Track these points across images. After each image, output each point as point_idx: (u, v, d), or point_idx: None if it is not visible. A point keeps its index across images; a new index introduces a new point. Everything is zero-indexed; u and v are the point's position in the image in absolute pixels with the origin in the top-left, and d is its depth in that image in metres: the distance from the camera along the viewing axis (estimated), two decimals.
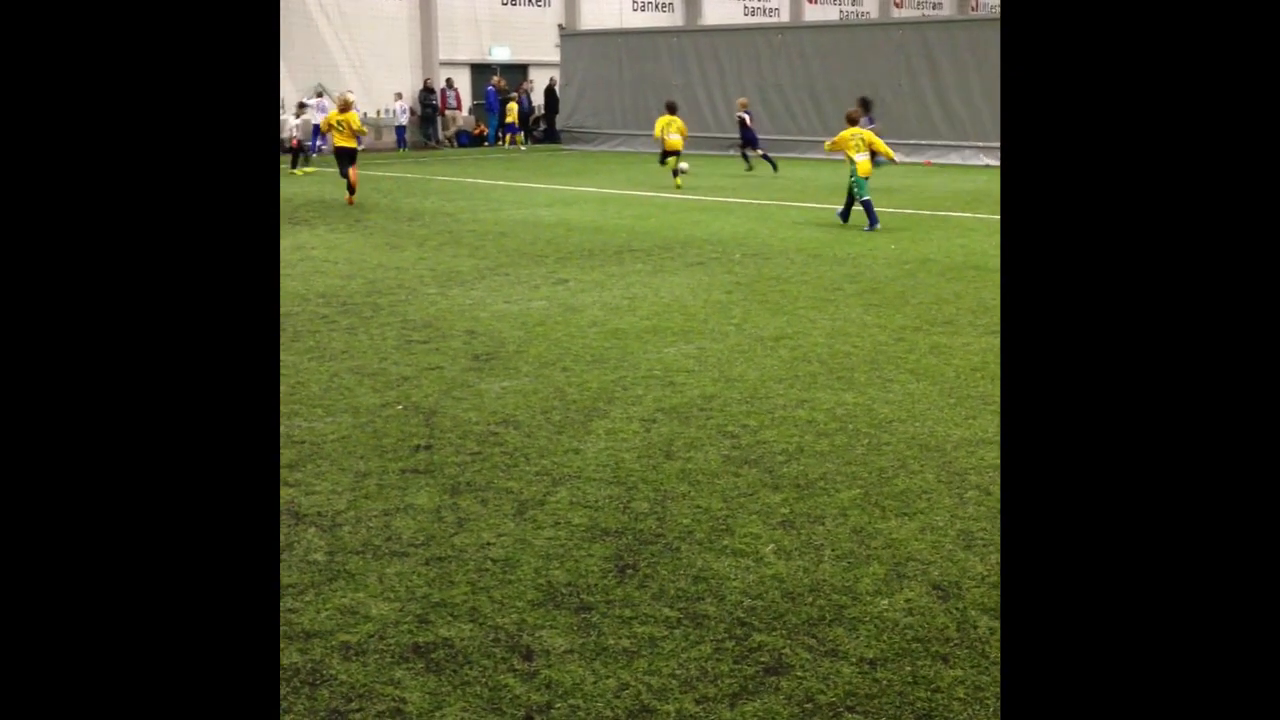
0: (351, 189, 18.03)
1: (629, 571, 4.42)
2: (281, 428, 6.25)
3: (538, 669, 3.68)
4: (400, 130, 32.60)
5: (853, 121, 15.32)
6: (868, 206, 14.45)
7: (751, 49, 29.65)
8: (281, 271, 11.66)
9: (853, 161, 14.54)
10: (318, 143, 27.60)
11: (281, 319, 9.23)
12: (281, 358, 7.90)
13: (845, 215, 14.94)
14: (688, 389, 7.08)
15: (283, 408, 6.64)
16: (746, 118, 24.21)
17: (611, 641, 3.86)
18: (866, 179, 14.58)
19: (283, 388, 7.09)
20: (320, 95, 29.60)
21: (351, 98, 18.80)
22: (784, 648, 3.81)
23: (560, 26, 35.59)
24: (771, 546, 4.64)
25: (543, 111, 36.11)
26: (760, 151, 23.83)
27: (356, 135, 17.81)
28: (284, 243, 13.86)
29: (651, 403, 6.78)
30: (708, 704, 3.47)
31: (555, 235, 14.46)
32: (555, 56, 35.00)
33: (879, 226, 14.32)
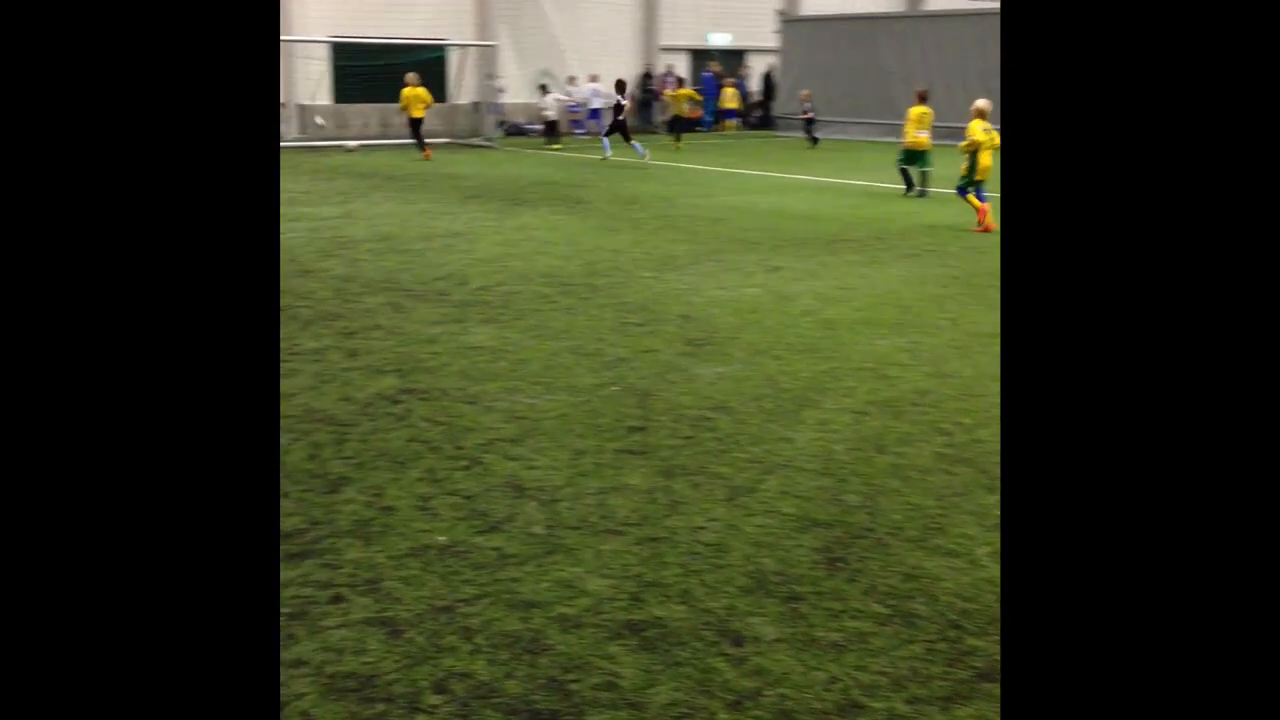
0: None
1: (839, 564, 4.44)
2: (505, 403, 6.51)
3: (747, 655, 3.75)
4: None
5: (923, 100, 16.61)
6: (961, 192, 14.15)
7: (975, 34, 28.79)
8: (505, 250, 12.07)
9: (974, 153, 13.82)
10: (587, 123, 29.64)
11: (505, 297, 9.57)
12: (505, 335, 8.20)
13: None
14: (900, 383, 7.00)
15: (505, 383, 6.91)
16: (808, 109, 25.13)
17: (821, 634, 3.89)
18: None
19: (505, 364, 7.37)
20: (545, 88, 30.58)
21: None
22: (998, 654, 3.76)
23: (779, 12, 35.38)
24: (986, 549, 4.58)
25: (759, 97, 36.03)
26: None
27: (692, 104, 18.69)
28: (508, 223, 14.33)
29: (864, 395, 6.74)
30: (919, 705, 3.46)
31: (770, 222, 14.46)
32: (774, 42, 34.84)
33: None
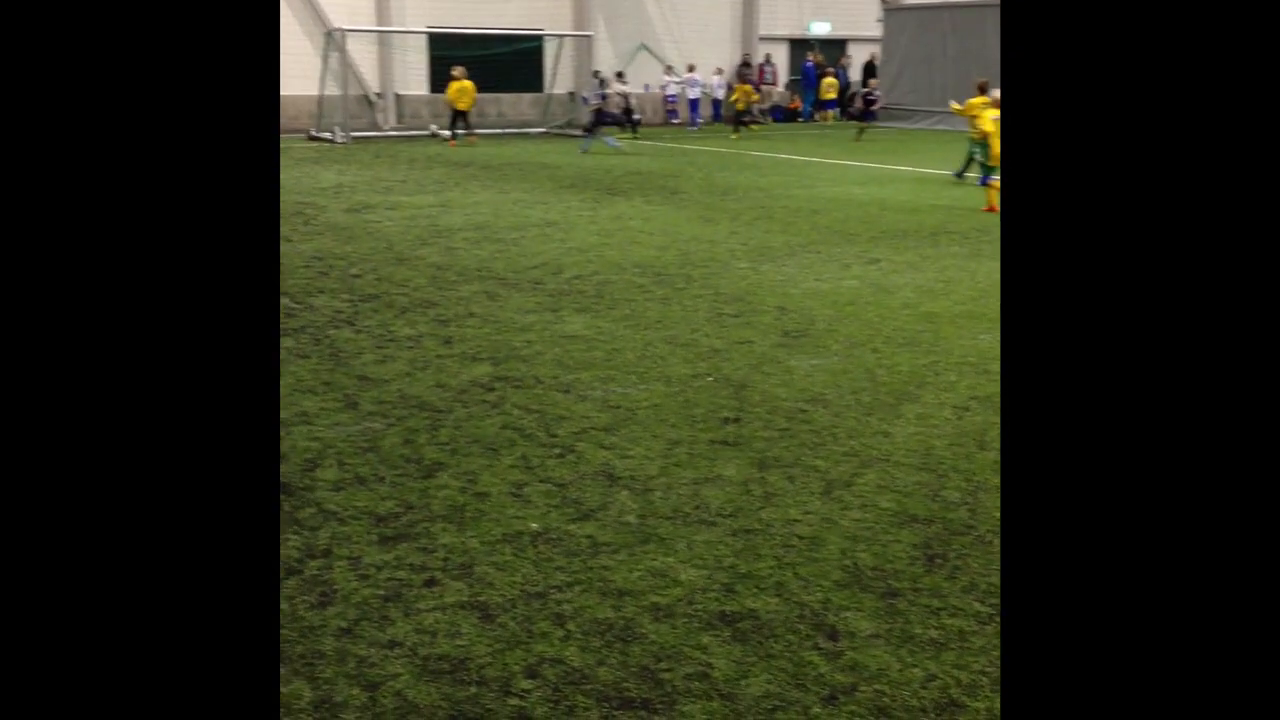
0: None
1: (938, 561, 4.33)
2: (598, 392, 6.50)
3: (842, 649, 3.67)
4: (716, 104, 32.98)
5: (983, 91, 16.27)
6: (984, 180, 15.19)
7: None
8: (600, 240, 12.08)
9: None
10: (696, 117, 30.03)
11: (599, 286, 9.57)
12: (598, 324, 8.19)
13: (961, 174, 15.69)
14: None
15: (599, 372, 6.90)
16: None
17: (919, 630, 3.80)
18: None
19: (599, 353, 7.36)
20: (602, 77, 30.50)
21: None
22: None
23: (884, 1, 34.90)
24: None
25: (861, 87, 35.60)
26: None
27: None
28: (603, 213, 14.35)
29: (965, 390, 6.59)
30: None
31: (868, 214, 14.26)
32: (875, 32, 34.39)
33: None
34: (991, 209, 14.48)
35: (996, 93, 15.11)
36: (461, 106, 24.92)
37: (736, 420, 6.01)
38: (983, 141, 14.93)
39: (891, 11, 33.80)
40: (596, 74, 28.67)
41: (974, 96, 17.12)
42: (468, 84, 24.90)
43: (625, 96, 27.92)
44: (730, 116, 29.09)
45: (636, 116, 28.81)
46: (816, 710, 3.34)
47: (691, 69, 32.51)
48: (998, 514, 4.78)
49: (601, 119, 24.32)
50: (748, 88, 29.82)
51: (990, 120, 14.78)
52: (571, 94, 31.27)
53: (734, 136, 27.74)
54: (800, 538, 4.54)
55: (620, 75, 28.96)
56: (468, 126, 25.23)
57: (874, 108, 29.06)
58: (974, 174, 17.06)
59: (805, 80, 35.31)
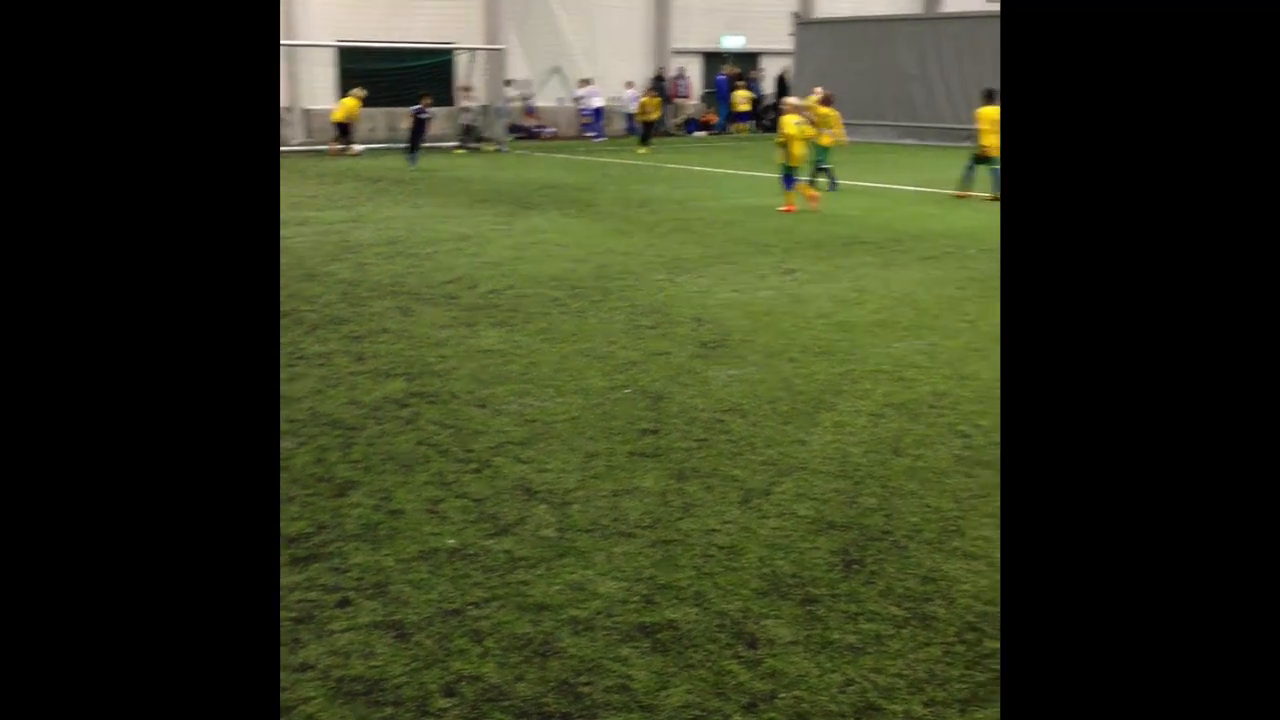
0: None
1: (855, 567, 4.36)
2: (515, 406, 6.44)
3: (762, 657, 3.67)
4: (630, 117, 33.08)
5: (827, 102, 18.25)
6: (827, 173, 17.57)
7: (991, 37, 28.68)
8: (515, 254, 12.02)
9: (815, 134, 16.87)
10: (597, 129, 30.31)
11: (515, 300, 9.52)
12: (515, 338, 8.14)
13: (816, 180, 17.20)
14: (918, 385, 6.92)
15: (516, 386, 6.85)
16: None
17: (837, 636, 3.81)
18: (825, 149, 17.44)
19: (516, 367, 7.31)
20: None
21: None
22: None
23: (795, 14, 35.32)
24: None
25: (774, 100, 35.96)
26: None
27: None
28: (517, 226, 14.28)
29: (880, 397, 6.66)
30: (936, 708, 3.38)
31: (783, 224, 14.38)
32: (788, 45, 34.78)
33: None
34: (789, 209, 15.75)
35: (794, 100, 17.12)
36: (338, 119, 26.26)
37: (654, 431, 6.00)
38: (785, 144, 15.80)
39: (803, 25, 34.21)
40: (509, 83, 28.56)
41: (819, 105, 18.16)
42: (349, 101, 26.10)
43: (471, 110, 27.84)
44: (644, 129, 29.12)
45: (486, 134, 28.96)
46: (737, 718, 3.33)
47: (588, 82, 32.54)
48: (913, 519, 4.82)
49: (420, 133, 23.95)
50: (656, 100, 29.93)
51: (792, 124, 15.68)
52: (485, 107, 31.12)
53: (641, 150, 27.74)
54: (719, 547, 4.53)
55: (468, 90, 28.82)
56: (348, 141, 26.17)
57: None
58: (823, 179, 17.42)
59: (719, 93, 35.58)
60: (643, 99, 30.01)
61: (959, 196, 17.37)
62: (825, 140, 17.99)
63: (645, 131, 28.89)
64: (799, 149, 15.81)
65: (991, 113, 17.12)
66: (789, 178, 15.97)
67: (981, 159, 17.30)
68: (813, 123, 17.18)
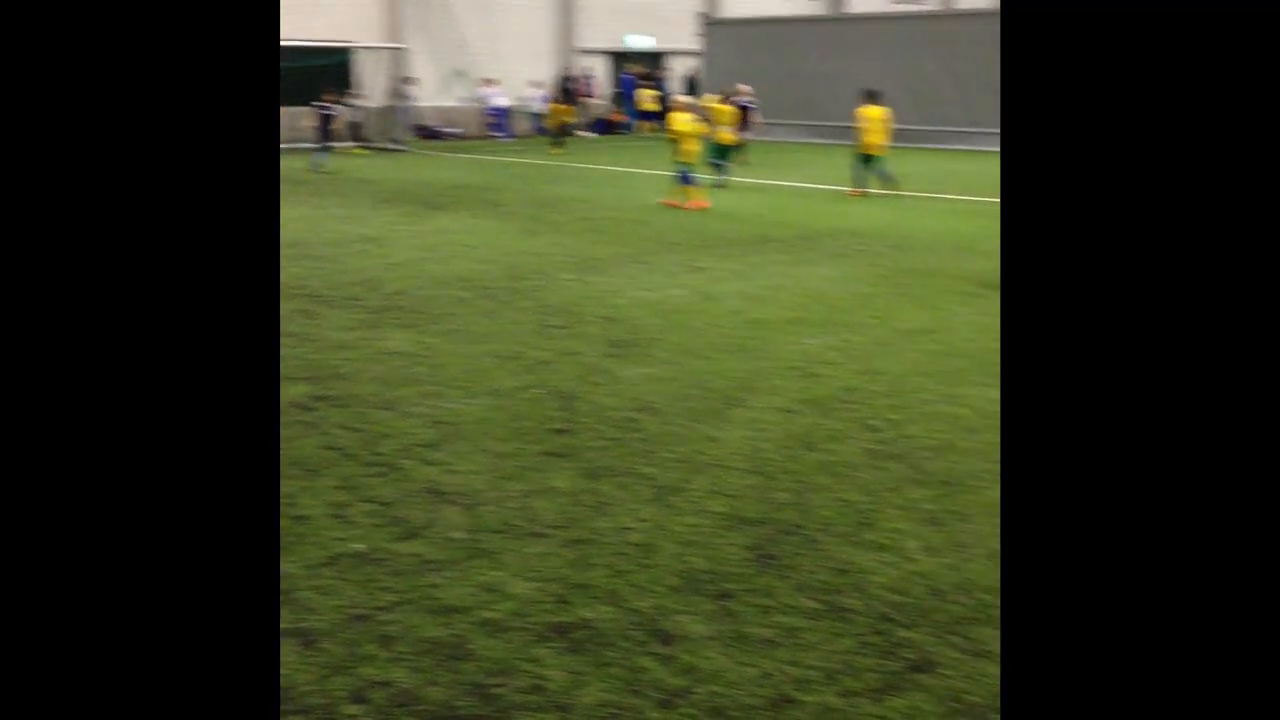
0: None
1: (769, 561, 4.35)
2: (423, 408, 6.34)
3: (677, 654, 3.64)
4: (537, 117, 32.95)
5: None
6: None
7: (897, 37, 29.12)
8: (422, 255, 11.87)
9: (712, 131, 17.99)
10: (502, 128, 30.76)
11: (422, 302, 9.39)
12: (423, 340, 8.02)
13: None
14: (829, 381, 6.96)
15: (424, 388, 6.74)
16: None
17: (752, 630, 3.80)
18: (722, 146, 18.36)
19: (423, 369, 7.19)
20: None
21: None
22: (930, 645, 3.70)
23: (701, 14, 35.48)
24: (916, 543, 4.52)
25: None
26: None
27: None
28: (424, 227, 14.12)
29: (792, 393, 6.68)
30: (851, 698, 3.38)
31: (693, 223, 14.41)
32: (695, 45, 34.93)
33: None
34: (671, 204, 16.28)
35: (687, 98, 18.43)
36: None
37: (566, 431, 5.95)
38: (678, 141, 16.54)
39: (710, 25, 34.38)
40: (406, 80, 28.15)
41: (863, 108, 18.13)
42: None
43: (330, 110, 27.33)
44: (553, 130, 28.97)
45: (391, 135, 28.69)
46: (652, 715, 3.30)
47: (492, 82, 32.29)
48: (826, 513, 4.83)
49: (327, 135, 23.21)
50: (567, 107, 29.85)
51: (682, 121, 16.59)
52: (388, 107, 30.75)
53: (553, 151, 27.61)
54: (633, 545, 4.49)
55: (346, 91, 28.22)
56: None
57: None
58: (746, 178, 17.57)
59: (625, 92, 35.60)
60: (551, 102, 29.89)
61: (858, 195, 17.60)
62: (723, 138, 18.41)
63: (558, 132, 28.76)
64: (691, 146, 16.37)
65: (872, 112, 17.85)
66: (685, 175, 16.29)
67: (867, 158, 17.81)
68: (707, 119, 17.47)
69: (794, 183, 19.64)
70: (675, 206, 16.03)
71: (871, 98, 18.21)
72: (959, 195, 17.59)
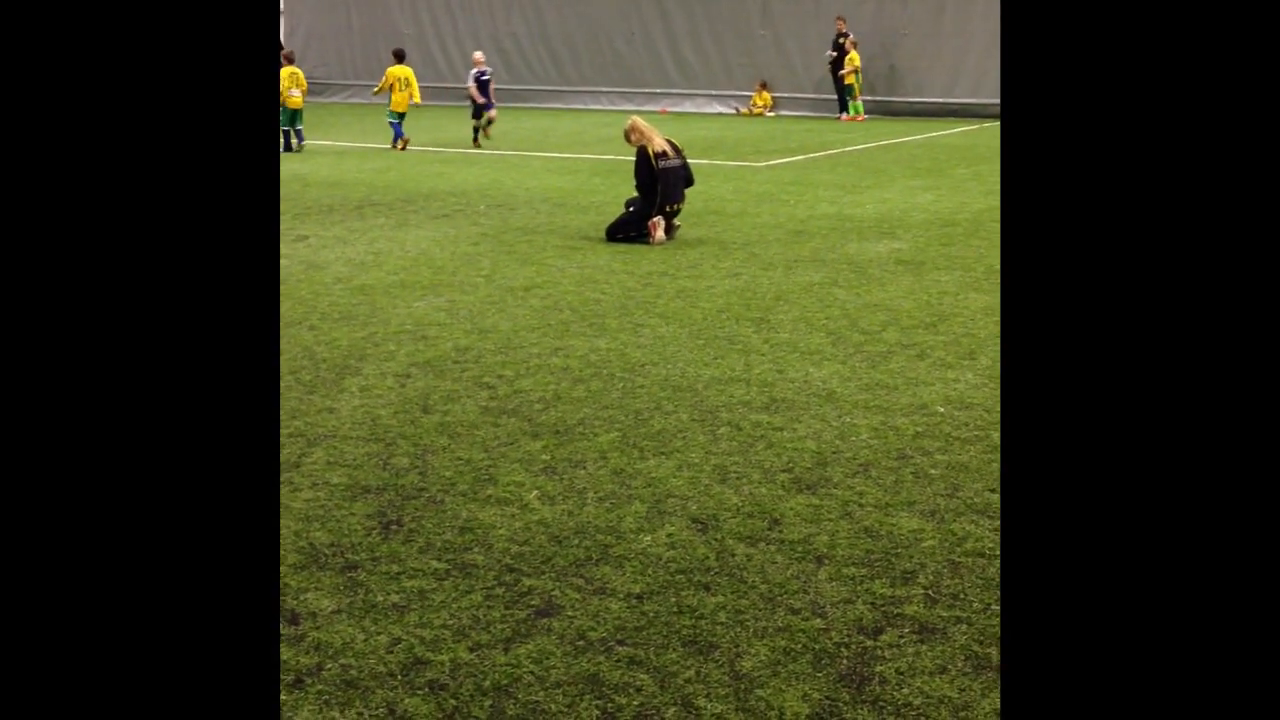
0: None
1: (393, 527, 4.38)
2: None
3: (305, 632, 3.61)
4: None
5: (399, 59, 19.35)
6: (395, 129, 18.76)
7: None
8: None
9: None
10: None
11: None
12: None
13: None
14: (441, 342, 7.02)
15: None
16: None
17: (380, 598, 3.82)
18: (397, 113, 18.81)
19: None
20: None
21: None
22: (553, 590, 3.87)
23: None
24: (535, 493, 4.70)
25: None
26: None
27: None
28: None
29: (405, 358, 6.69)
30: (481, 650, 3.49)
31: (289, 190, 13.95)
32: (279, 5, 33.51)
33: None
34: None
35: (396, 59, 19.29)
36: None
37: None
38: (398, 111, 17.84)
39: None
40: None
41: (392, 67, 18.88)
42: None
43: None
44: None
45: None
46: (283, 697, 3.26)
47: None
48: (447, 473, 4.91)
49: None
50: None
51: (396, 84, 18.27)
52: None
53: None
54: None
55: None
56: None
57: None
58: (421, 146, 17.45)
59: None
60: None
61: (399, 150, 18.57)
62: (293, 102, 18.31)
63: None
64: (404, 99, 17.83)
65: (399, 71, 18.94)
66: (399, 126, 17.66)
67: (400, 115, 18.99)
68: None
69: (386, 145, 19.42)
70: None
71: (398, 57, 19.50)
72: (554, 153, 18.06)
